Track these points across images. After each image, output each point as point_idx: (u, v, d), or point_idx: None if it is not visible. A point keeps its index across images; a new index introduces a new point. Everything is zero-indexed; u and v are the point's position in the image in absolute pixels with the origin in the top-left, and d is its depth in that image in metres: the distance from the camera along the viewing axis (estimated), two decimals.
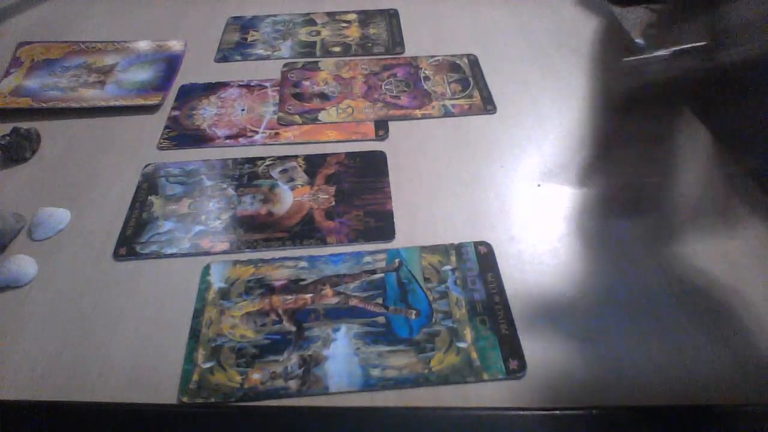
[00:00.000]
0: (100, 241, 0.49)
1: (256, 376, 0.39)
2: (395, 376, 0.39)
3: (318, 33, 0.76)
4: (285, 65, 0.70)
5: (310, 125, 0.61)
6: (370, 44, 0.73)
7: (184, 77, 0.68)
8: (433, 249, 0.47)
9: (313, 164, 0.56)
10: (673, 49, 0.43)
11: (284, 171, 0.55)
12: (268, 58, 0.72)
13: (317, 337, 0.41)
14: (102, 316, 0.43)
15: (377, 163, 0.56)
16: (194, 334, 0.42)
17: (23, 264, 0.46)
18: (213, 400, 0.38)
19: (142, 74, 0.68)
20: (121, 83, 0.67)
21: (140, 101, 0.64)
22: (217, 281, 0.45)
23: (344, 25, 0.77)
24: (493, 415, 0.37)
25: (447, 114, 0.62)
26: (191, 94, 0.66)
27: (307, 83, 0.67)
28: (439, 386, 0.38)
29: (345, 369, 0.39)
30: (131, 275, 0.46)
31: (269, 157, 0.57)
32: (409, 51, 0.72)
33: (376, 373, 0.39)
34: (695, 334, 0.41)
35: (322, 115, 0.62)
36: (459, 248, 0.47)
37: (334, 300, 0.44)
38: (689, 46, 0.42)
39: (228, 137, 0.59)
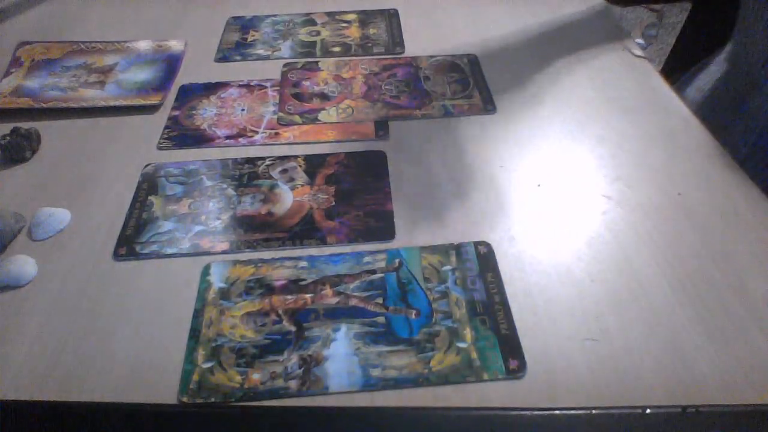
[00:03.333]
0: (100, 241, 0.49)
1: (256, 376, 0.39)
2: (395, 376, 0.39)
3: (318, 33, 0.76)
4: (285, 65, 0.70)
5: (310, 125, 0.61)
6: (370, 44, 0.73)
7: (184, 77, 0.68)
8: (433, 249, 0.47)
9: (313, 164, 0.56)
10: None
11: (284, 171, 0.55)
12: (268, 58, 0.72)
13: (317, 337, 0.41)
14: (102, 316, 0.43)
15: (377, 163, 0.56)
16: (194, 334, 0.42)
17: (23, 264, 0.46)
18: (213, 400, 0.38)
19: (142, 74, 0.68)
20: (121, 83, 0.67)
21: (140, 101, 0.64)
22: (217, 281, 0.45)
23: (344, 25, 0.77)
24: (493, 415, 0.37)
25: (447, 114, 0.62)
26: (191, 94, 0.66)
27: (307, 83, 0.67)
28: (439, 386, 0.38)
29: (345, 369, 0.39)
30: (131, 275, 0.46)
31: (269, 157, 0.57)
32: (409, 51, 0.72)
33: (376, 373, 0.39)
34: (695, 334, 0.41)
35: (322, 115, 0.62)
36: (459, 248, 0.47)
37: (334, 300, 0.44)
38: None
39: (228, 137, 0.59)
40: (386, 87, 0.66)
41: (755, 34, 0.59)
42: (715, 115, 0.63)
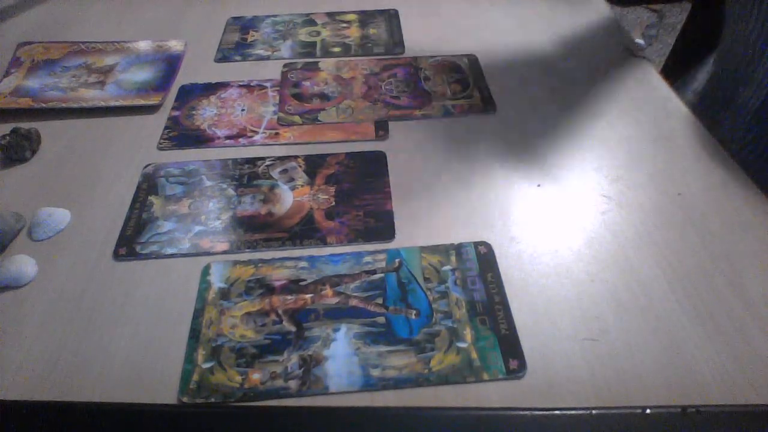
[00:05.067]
0: (100, 241, 0.49)
1: (256, 376, 0.39)
2: (395, 376, 0.39)
3: (318, 33, 0.76)
4: (285, 65, 0.70)
5: (310, 125, 0.61)
6: (370, 44, 0.73)
7: (184, 77, 0.68)
8: (433, 249, 0.47)
9: (313, 164, 0.56)
10: None
11: (284, 171, 0.55)
12: (268, 58, 0.72)
13: (317, 337, 0.41)
14: (102, 316, 0.43)
15: (377, 163, 0.56)
16: (194, 334, 0.42)
17: (23, 264, 0.46)
18: (213, 400, 0.38)
19: (142, 74, 0.68)
20: (121, 83, 0.67)
21: (140, 101, 0.64)
22: (217, 281, 0.45)
23: (344, 25, 0.77)
24: (493, 415, 0.37)
25: (447, 114, 0.62)
26: (191, 94, 0.66)
27: (307, 83, 0.67)
28: (439, 386, 0.38)
29: (345, 369, 0.39)
30: (131, 275, 0.46)
31: (269, 157, 0.57)
32: (409, 51, 0.72)
33: (376, 373, 0.39)
34: (695, 334, 0.41)
35: (322, 116, 0.62)
36: (459, 248, 0.47)
37: (334, 300, 0.44)
38: None
39: (228, 137, 0.59)
40: (386, 87, 0.66)
41: (743, 31, 0.59)
42: (707, 112, 0.63)
